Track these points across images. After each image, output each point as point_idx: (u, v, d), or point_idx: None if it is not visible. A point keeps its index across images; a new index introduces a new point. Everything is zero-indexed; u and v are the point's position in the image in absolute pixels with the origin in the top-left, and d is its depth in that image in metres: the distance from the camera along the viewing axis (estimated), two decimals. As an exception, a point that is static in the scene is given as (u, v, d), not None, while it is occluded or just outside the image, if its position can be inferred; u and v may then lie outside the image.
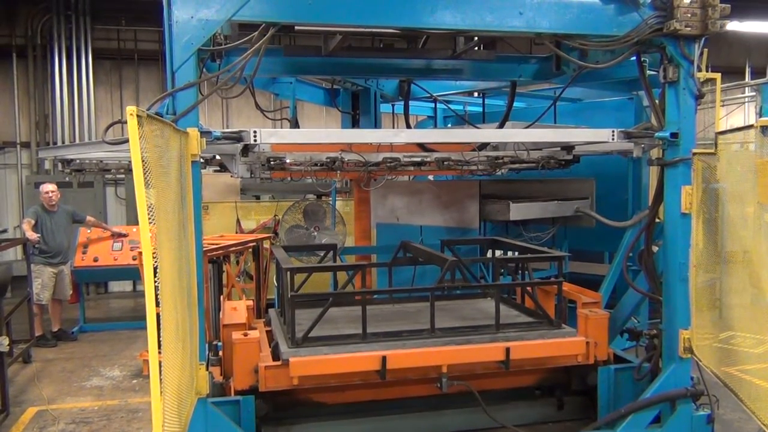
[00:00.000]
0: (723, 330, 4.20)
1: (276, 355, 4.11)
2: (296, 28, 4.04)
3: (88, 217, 9.59)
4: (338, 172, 5.21)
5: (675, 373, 4.21)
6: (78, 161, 8.06)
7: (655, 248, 4.60)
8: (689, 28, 3.93)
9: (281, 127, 8.42)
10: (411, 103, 6.82)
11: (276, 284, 5.28)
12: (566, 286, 4.86)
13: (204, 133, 3.62)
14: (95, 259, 9.60)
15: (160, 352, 2.40)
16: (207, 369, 3.75)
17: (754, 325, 3.93)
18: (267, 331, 4.81)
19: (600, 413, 4.45)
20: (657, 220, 4.51)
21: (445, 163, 5.37)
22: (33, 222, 8.67)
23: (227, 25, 3.80)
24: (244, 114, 14.06)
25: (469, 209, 6.62)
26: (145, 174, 2.36)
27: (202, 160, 4.75)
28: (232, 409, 3.91)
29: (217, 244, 6.59)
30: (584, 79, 5.42)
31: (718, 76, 4.15)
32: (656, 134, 4.22)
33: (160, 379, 2.39)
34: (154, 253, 2.42)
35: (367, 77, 6.55)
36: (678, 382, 4.20)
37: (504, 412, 4.40)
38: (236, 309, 4.69)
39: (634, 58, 4.30)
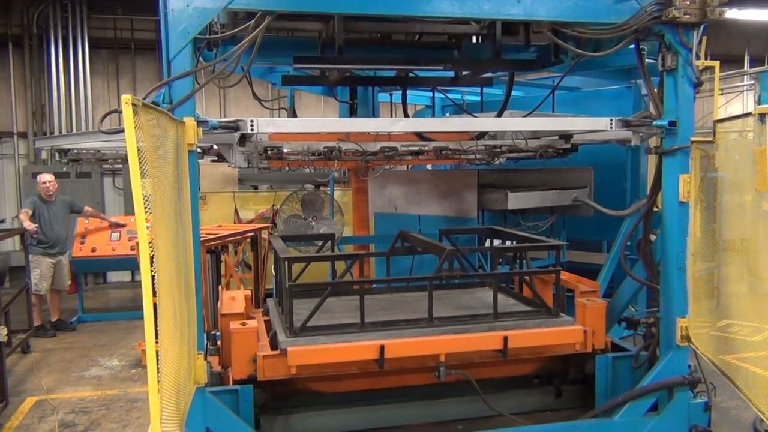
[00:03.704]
0: (720, 318, 4.21)
1: (274, 344, 4.12)
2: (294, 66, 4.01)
3: (86, 208, 9.58)
4: (336, 161, 5.20)
5: (672, 361, 4.22)
6: (75, 151, 8.03)
7: (653, 237, 4.60)
8: (688, 16, 3.91)
9: (279, 117, 8.40)
10: (409, 92, 6.79)
11: (274, 274, 5.28)
12: (564, 275, 4.86)
13: (201, 123, 3.60)
14: (93, 250, 9.60)
15: (157, 342, 2.40)
16: (205, 358, 3.76)
17: (752, 314, 3.94)
18: (265, 321, 4.81)
19: (597, 401, 4.46)
20: (655, 209, 4.51)
21: (443, 152, 5.36)
22: (30, 212, 8.66)
23: (223, 13, 3.78)
24: (242, 103, 14.01)
25: (467, 198, 6.61)
26: (141, 164, 2.35)
27: (199, 150, 4.73)
28: (231, 398, 3.92)
29: (215, 234, 6.59)
30: (582, 67, 5.40)
31: (716, 64, 4.13)
32: (654, 122, 4.21)
33: (158, 369, 2.38)
34: (150, 243, 2.41)
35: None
36: (675, 370, 4.21)
37: (502, 400, 4.41)
38: (234, 299, 4.69)
39: (632, 46, 4.28)
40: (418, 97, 8.66)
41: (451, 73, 5.46)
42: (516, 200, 6.15)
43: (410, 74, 5.65)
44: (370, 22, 4.52)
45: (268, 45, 4.32)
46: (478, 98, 7.19)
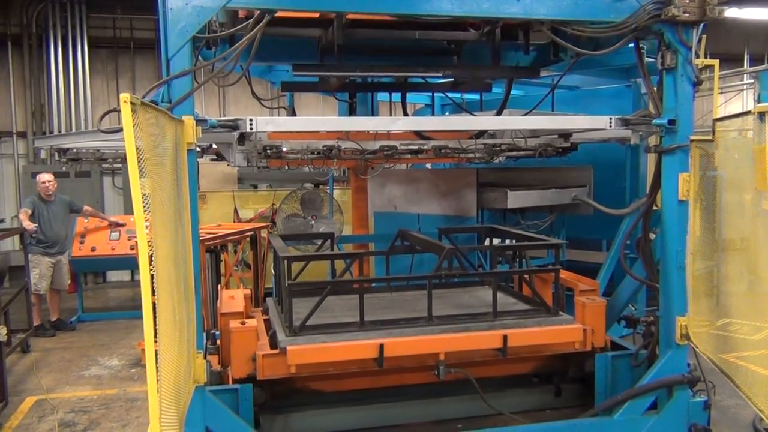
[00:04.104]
0: (720, 317, 4.21)
1: (274, 343, 4.12)
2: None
3: (85, 207, 9.58)
4: (335, 160, 5.20)
5: (672, 359, 4.22)
6: (74, 150, 8.02)
7: (652, 236, 4.60)
8: (687, 14, 3.91)
9: (278, 116, 8.39)
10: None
11: (273, 273, 5.27)
12: (564, 274, 4.86)
13: (200, 122, 3.60)
14: (93, 249, 9.60)
15: (156, 342, 2.39)
16: (205, 357, 3.76)
17: (751, 312, 3.94)
18: (265, 320, 4.81)
19: (597, 400, 4.46)
20: (654, 208, 4.51)
21: (443, 151, 5.36)
22: (30, 212, 8.66)
23: (222, 12, 3.77)
24: (242, 103, 14.01)
25: (467, 197, 6.60)
26: (139, 163, 2.34)
27: (198, 149, 4.73)
28: (230, 397, 3.92)
29: (214, 234, 6.58)
30: (582, 66, 5.40)
31: (716, 62, 4.13)
32: (654, 121, 4.20)
33: (157, 368, 2.38)
34: (149, 242, 2.40)
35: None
36: (675, 369, 4.22)
37: (501, 399, 4.41)
38: (234, 298, 4.69)
39: (632, 44, 4.28)
40: (417, 96, 8.65)
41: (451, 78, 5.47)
42: (515, 199, 6.15)
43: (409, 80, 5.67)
44: (369, 29, 4.54)
45: (268, 45, 4.32)
46: (477, 97, 7.19)
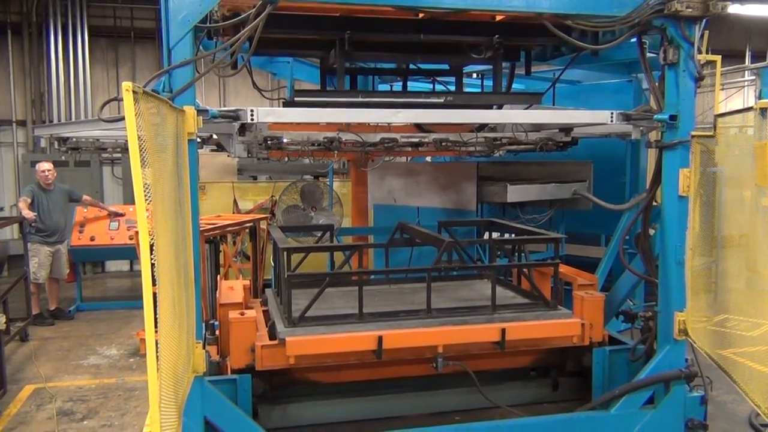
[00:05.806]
0: (718, 313, 4.21)
1: (272, 334, 4.12)
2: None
3: (85, 196, 9.59)
4: (335, 152, 5.19)
5: (669, 354, 4.23)
6: (74, 139, 8.01)
7: (651, 231, 4.61)
8: (690, 10, 3.89)
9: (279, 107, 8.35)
10: (409, 83, 6.76)
11: (273, 264, 5.28)
12: (562, 268, 4.87)
13: (201, 112, 3.59)
14: (92, 238, 9.61)
15: (156, 331, 2.40)
16: (204, 348, 3.76)
17: (749, 309, 3.94)
18: (264, 311, 4.82)
19: (594, 394, 4.48)
20: (654, 203, 4.51)
21: (443, 144, 5.35)
22: (29, 200, 8.66)
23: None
24: (242, 94, 13.99)
25: (467, 191, 6.61)
26: (141, 152, 2.34)
27: (198, 139, 4.72)
28: (229, 387, 3.93)
29: (214, 224, 6.56)
30: (584, 61, 5.39)
31: (718, 58, 4.12)
32: (655, 116, 4.19)
33: (157, 358, 2.38)
34: (150, 231, 2.40)
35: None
36: (672, 364, 4.23)
37: (499, 392, 4.42)
38: (233, 288, 4.70)
39: (634, 39, 4.27)
40: (419, 87, 8.61)
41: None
42: (515, 193, 6.16)
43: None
44: (372, 52, 4.56)
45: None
46: (478, 90, 7.17)
